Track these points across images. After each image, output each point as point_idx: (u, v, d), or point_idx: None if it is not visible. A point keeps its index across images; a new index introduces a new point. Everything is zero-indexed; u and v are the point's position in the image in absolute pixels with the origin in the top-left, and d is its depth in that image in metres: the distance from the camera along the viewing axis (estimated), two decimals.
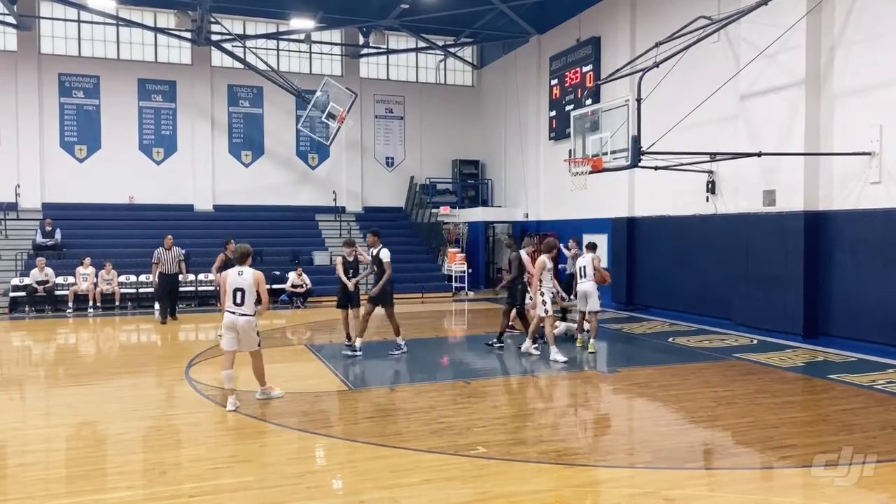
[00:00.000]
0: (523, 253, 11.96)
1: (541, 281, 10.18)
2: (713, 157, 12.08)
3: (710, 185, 14.17)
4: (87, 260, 17.28)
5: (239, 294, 7.42)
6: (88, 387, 8.93)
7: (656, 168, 12.11)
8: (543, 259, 10.21)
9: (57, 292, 16.99)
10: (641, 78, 11.19)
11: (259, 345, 7.71)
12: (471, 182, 25.45)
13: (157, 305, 15.81)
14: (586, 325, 11.27)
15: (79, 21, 21.47)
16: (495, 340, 11.45)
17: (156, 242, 19.47)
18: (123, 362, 11.01)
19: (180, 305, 17.56)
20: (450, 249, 22.13)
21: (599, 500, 5.18)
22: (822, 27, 11.63)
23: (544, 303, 10.16)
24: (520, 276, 11.30)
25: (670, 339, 12.24)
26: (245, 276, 7.48)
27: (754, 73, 12.31)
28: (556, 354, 10.04)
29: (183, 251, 15.59)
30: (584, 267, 11.11)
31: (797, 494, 5.25)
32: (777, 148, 11.91)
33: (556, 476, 5.58)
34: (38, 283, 16.71)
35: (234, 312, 7.44)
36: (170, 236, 15.25)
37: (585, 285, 11.03)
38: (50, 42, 21.41)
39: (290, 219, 22.69)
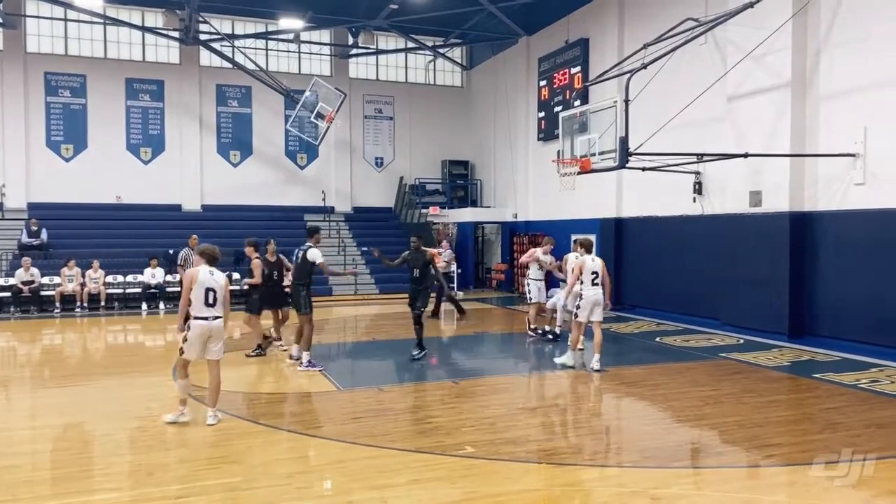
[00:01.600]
0: (540, 252, 11.97)
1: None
2: (700, 157, 12.16)
3: (697, 186, 14.26)
4: (73, 262, 17.14)
5: (211, 294, 6.87)
6: (74, 388, 8.87)
7: (644, 169, 12.18)
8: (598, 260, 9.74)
9: (42, 293, 16.86)
10: (629, 79, 11.25)
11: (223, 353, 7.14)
12: (460, 182, 25.45)
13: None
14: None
15: (65, 20, 21.30)
16: (418, 351, 10.32)
17: (143, 242, 19.53)
18: (110, 363, 10.94)
19: (170, 305, 17.47)
20: (439, 250, 22.10)
21: (587, 499, 5.20)
22: (808, 30, 11.73)
23: (578, 307, 9.60)
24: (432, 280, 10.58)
25: (658, 339, 12.31)
26: (217, 277, 6.97)
27: (741, 74, 12.40)
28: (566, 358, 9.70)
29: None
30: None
31: (783, 493, 5.30)
32: (763, 149, 12.01)
33: (545, 475, 5.61)
34: (24, 283, 16.57)
35: (207, 318, 6.83)
36: (195, 236, 14.25)
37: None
38: (36, 41, 21.23)
39: (278, 219, 22.57)
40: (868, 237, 10.78)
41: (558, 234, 17.07)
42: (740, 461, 5.92)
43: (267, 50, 23.58)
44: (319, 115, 20.73)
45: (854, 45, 11.01)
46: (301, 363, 9.73)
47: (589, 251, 9.96)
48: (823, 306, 11.55)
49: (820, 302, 11.62)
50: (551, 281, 13.82)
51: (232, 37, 22.13)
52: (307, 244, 9.76)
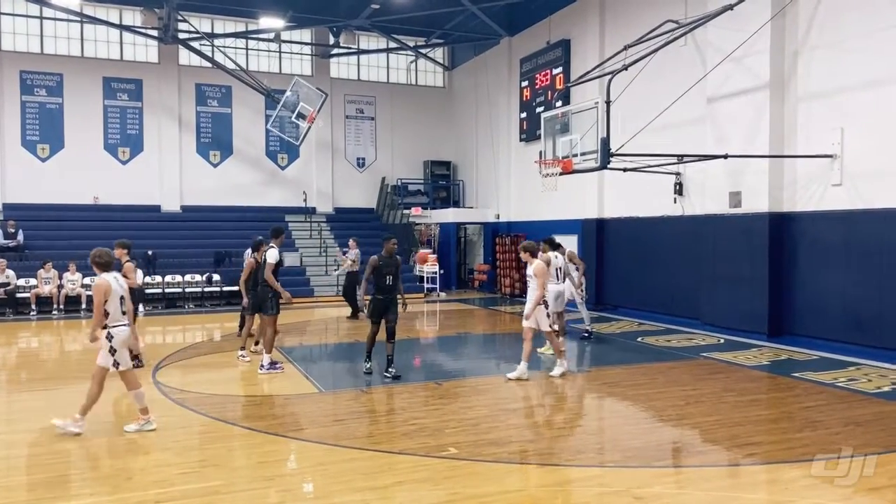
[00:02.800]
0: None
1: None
2: (680, 158, 12.25)
3: (677, 187, 14.37)
4: (49, 264, 16.88)
5: (122, 302, 6.77)
6: (52, 391, 8.74)
7: (625, 170, 12.24)
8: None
9: (19, 295, 16.59)
10: (611, 80, 11.30)
11: None
12: (442, 183, 25.44)
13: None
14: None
15: (41, 17, 20.98)
16: (391, 370, 9.23)
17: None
18: (88, 366, 10.71)
19: (148, 308, 17.30)
20: (421, 250, 22.11)
21: (570, 499, 5.21)
22: (786, 32, 11.87)
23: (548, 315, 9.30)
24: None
25: (639, 339, 12.38)
26: (122, 283, 6.87)
27: (720, 76, 12.50)
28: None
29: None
30: (559, 269, 11.03)
31: (762, 490, 5.35)
32: (743, 150, 12.12)
33: (527, 476, 5.61)
34: None
35: (126, 324, 6.78)
36: (261, 237, 13.29)
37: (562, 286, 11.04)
38: (11, 39, 20.88)
39: (259, 220, 22.35)
40: (845, 237, 10.93)
41: (540, 236, 17.11)
42: (721, 460, 5.96)
43: (247, 49, 23.40)
44: (300, 116, 20.61)
45: (831, 48, 11.16)
46: (262, 366, 9.59)
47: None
48: (802, 306, 11.69)
49: (799, 302, 11.75)
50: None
51: (211, 36, 21.93)
52: (270, 244, 9.76)
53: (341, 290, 16.86)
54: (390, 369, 9.12)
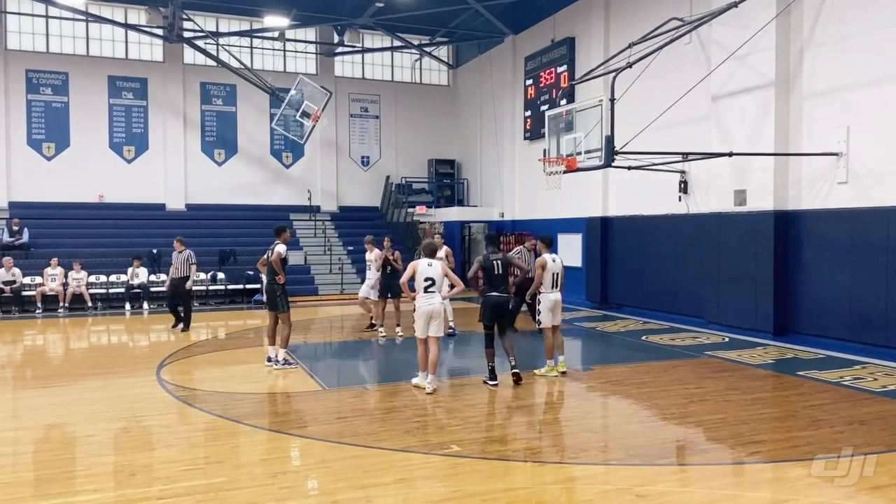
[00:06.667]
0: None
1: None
2: (685, 157, 12.22)
3: (682, 185, 14.33)
4: (55, 260, 16.97)
5: None
6: (57, 388, 8.77)
7: (629, 168, 12.22)
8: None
9: (24, 293, 16.66)
10: (615, 78, 11.27)
11: None
12: (447, 182, 25.43)
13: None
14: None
15: (46, 17, 21.05)
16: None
17: (127, 242, 19.43)
18: (93, 364, 10.81)
19: (153, 305, 17.34)
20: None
21: (573, 497, 5.20)
22: (792, 30, 11.82)
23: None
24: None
25: (643, 338, 12.35)
26: None
27: (725, 74, 12.47)
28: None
29: (191, 253, 13.90)
30: (557, 274, 9.30)
31: (767, 489, 5.33)
32: (747, 148, 12.08)
33: (530, 474, 5.60)
34: (5, 283, 16.36)
35: None
36: (178, 239, 14.01)
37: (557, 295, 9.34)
38: (17, 38, 20.96)
39: (263, 218, 22.42)
40: (850, 236, 10.88)
41: (545, 234, 17.08)
42: (725, 458, 5.94)
43: (252, 48, 23.43)
44: (305, 114, 20.60)
45: (836, 45, 11.10)
46: (277, 362, 9.74)
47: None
48: (807, 304, 11.65)
49: (804, 300, 11.71)
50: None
51: (216, 34, 21.94)
52: (276, 242, 10.02)
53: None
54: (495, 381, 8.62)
